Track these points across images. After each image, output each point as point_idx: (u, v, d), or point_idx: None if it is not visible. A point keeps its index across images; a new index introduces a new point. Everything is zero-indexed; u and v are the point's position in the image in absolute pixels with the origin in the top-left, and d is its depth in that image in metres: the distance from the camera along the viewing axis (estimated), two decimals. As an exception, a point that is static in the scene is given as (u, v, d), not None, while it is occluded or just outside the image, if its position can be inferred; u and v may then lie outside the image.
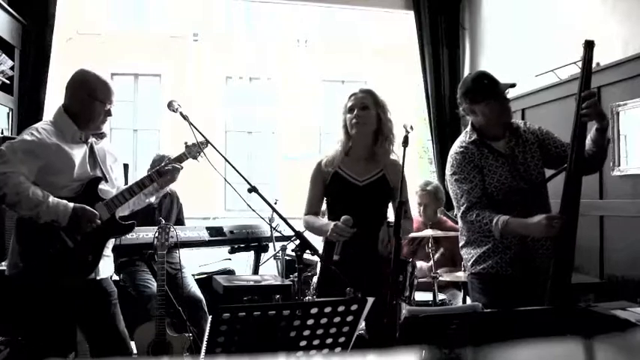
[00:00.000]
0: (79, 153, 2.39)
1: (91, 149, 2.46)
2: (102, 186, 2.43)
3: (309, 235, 2.37)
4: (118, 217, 2.51)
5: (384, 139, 2.55)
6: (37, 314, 2.32)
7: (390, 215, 2.51)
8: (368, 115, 2.52)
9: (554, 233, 2.23)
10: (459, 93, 2.50)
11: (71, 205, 2.28)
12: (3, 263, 3.02)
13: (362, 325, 2.19)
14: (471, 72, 4.91)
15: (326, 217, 2.63)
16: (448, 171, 2.52)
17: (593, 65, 2.34)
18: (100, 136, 2.51)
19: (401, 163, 2.35)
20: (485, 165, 2.44)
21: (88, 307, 2.43)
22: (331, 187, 2.55)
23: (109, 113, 2.46)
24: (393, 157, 2.58)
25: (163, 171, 2.53)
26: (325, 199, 2.61)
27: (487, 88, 2.42)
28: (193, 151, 2.59)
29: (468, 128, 2.52)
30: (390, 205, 2.60)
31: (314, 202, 2.61)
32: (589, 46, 2.24)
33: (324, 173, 2.57)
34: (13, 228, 2.35)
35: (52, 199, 2.24)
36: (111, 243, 2.55)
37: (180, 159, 2.59)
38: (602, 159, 2.41)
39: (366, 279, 2.23)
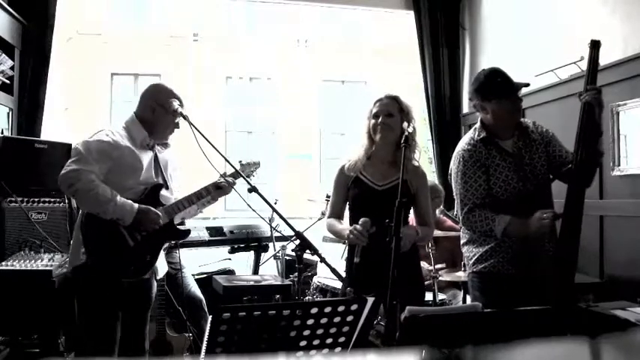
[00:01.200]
0: (146, 158, 2.49)
1: (155, 156, 2.56)
2: (163, 192, 2.53)
3: (309, 236, 2.37)
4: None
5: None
6: (92, 308, 2.38)
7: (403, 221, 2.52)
8: (393, 122, 2.51)
9: (547, 228, 2.24)
10: (471, 89, 2.49)
11: (137, 205, 2.37)
12: (8, 264, 3.03)
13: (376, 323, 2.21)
14: (471, 72, 4.94)
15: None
16: (454, 168, 2.52)
17: (594, 65, 2.34)
18: (165, 145, 2.62)
19: (421, 169, 2.43)
20: (492, 165, 2.44)
21: (133, 304, 2.50)
22: (352, 191, 2.56)
23: (177, 126, 2.57)
24: (415, 163, 2.55)
25: (220, 185, 2.61)
26: (348, 203, 2.61)
27: (500, 86, 2.41)
28: (246, 169, 2.69)
29: (477, 125, 2.51)
30: (412, 211, 2.60)
31: (336, 206, 2.62)
32: (595, 45, 2.24)
33: (347, 177, 2.57)
34: (78, 223, 2.42)
35: (119, 198, 2.33)
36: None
37: (235, 176, 2.66)
38: (592, 171, 2.42)
39: (386, 281, 2.23)
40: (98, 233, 2.36)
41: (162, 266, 2.64)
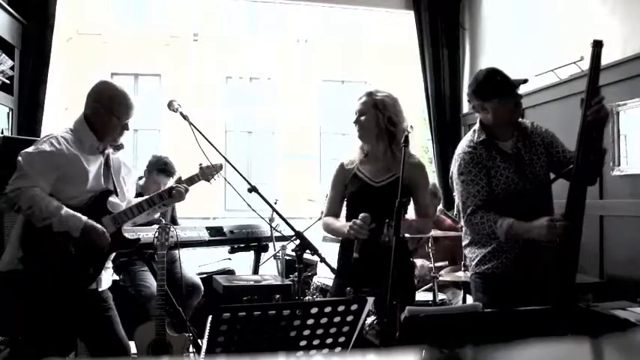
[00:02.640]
0: (94, 164, 2.41)
1: (107, 160, 2.47)
2: (112, 198, 2.44)
3: (309, 236, 2.37)
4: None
5: (395, 141, 2.51)
6: (32, 313, 2.32)
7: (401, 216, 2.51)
8: (365, 121, 2.51)
9: (556, 237, 2.22)
10: (470, 90, 2.48)
11: (84, 220, 2.29)
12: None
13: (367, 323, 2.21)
14: (471, 72, 4.94)
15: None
16: (455, 170, 2.51)
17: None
18: (118, 147, 2.52)
19: (418, 161, 2.44)
20: (493, 166, 2.43)
21: (86, 317, 2.42)
22: (350, 187, 2.55)
23: (125, 127, 2.46)
24: (412, 157, 2.51)
25: (174, 192, 2.55)
26: (346, 200, 2.61)
27: (499, 85, 2.40)
28: (206, 173, 2.62)
29: (476, 126, 2.51)
30: (412, 206, 2.60)
31: (334, 204, 2.61)
32: (597, 45, 2.23)
33: (346, 173, 2.57)
34: (17, 226, 2.35)
35: (64, 211, 2.25)
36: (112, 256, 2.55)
37: (192, 180, 2.61)
38: (597, 170, 2.41)
39: (385, 277, 2.22)
40: (37, 239, 2.27)
41: (106, 278, 2.51)
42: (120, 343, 2.50)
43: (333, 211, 2.60)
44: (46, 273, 2.28)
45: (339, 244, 2.63)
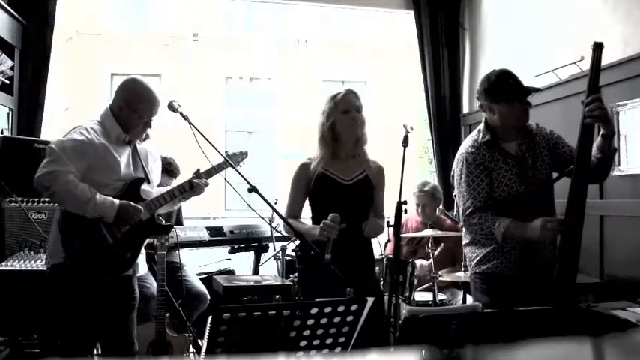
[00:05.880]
0: (124, 153, 2.44)
1: (134, 150, 2.51)
2: (144, 187, 2.48)
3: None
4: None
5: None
6: (72, 307, 2.33)
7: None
8: (362, 117, 2.55)
9: (551, 237, 2.23)
10: (480, 88, 2.46)
11: (117, 202, 2.32)
12: (8, 264, 3.03)
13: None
14: (471, 72, 4.94)
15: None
16: (457, 170, 2.51)
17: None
18: (145, 137, 2.55)
19: (379, 165, 2.50)
20: (495, 168, 2.42)
21: (115, 305, 2.45)
22: (316, 187, 2.53)
23: (148, 125, 2.50)
24: (372, 159, 2.59)
25: (200, 183, 2.57)
26: (309, 201, 2.59)
27: (510, 88, 2.37)
28: (234, 159, 2.66)
29: (481, 126, 2.49)
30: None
31: (295, 205, 2.58)
32: (598, 47, 2.23)
33: (310, 174, 2.54)
34: (55, 221, 2.38)
35: (99, 196, 2.28)
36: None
37: (210, 173, 2.62)
38: (606, 167, 2.38)
39: (357, 277, 2.23)
40: (76, 231, 2.31)
41: (142, 264, 2.59)
42: (132, 344, 2.54)
43: (293, 213, 2.57)
44: (88, 262, 2.31)
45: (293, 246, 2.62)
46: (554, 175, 2.51)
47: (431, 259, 3.36)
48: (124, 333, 2.50)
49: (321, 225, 2.32)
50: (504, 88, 2.38)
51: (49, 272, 2.39)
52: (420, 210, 3.79)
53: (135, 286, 2.55)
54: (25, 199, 3.39)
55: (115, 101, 2.49)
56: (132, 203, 2.36)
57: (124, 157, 2.43)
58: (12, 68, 3.94)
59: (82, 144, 2.32)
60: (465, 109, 4.99)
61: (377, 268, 2.98)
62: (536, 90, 2.43)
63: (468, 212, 2.41)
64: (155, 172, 2.63)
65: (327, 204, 2.46)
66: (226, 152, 2.68)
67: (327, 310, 1.59)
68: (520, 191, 2.40)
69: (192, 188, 2.56)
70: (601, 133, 2.27)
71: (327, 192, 2.51)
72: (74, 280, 2.31)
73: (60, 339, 2.36)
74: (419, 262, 3.51)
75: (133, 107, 2.43)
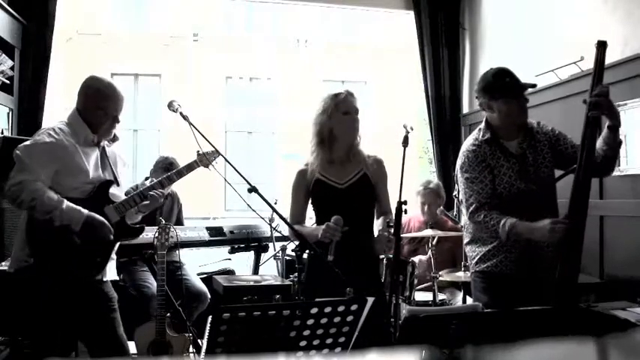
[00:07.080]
0: (92, 155, 2.43)
1: (103, 152, 2.50)
2: (112, 189, 2.46)
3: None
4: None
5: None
6: (41, 311, 2.32)
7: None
8: (359, 121, 2.55)
9: (557, 238, 2.22)
10: (478, 87, 2.48)
11: (85, 212, 2.30)
12: (3, 263, 3.02)
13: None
14: (471, 72, 4.94)
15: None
16: (459, 168, 2.51)
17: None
18: (113, 139, 2.54)
19: (378, 157, 2.49)
20: (496, 165, 2.43)
21: (90, 310, 2.43)
22: (314, 193, 2.54)
23: (116, 120, 2.48)
24: (369, 154, 2.58)
25: (173, 179, 2.58)
26: (313, 205, 2.59)
27: (508, 86, 2.40)
28: (204, 160, 2.64)
29: (482, 125, 2.51)
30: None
31: (297, 212, 2.58)
32: (602, 46, 2.23)
33: (308, 181, 2.54)
34: (22, 224, 2.36)
35: (65, 204, 2.26)
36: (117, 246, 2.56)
37: (191, 167, 2.61)
38: (613, 160, 2.38)
39: (358, 279, 2.23)
40: (43, 233, 2.28)
41: (111, 269, 2.53)
42: (121, 345, 2.50)
43: (297, 219, 2.57)
44: (55, 264, 2.29)
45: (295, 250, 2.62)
46: (558, 172, 2.51)
47: (429, 255, 3.35)
48: (106, 335, 2.46)
49: (324, 227, 2.32)
50: (501, 85, 2.40)
51: (15, 275, 2.36)
52: (425, 208, 3.78)
53: (109, 289, 2.51)
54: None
55: (80, 101, 2.48)
56: (98, 218, 2.32)
57: (92, 159, 2.41)
58: (12, 68, 3.94)
59: (51, 146, 2.30)
60: (465, 109, 4.99)
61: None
62: (533, 86, 2.45)
63: (472, 209, 2.41)
64: (123, 176, 2.61)
65: (326, 209, 2.47)
66: (198, 151, 2.65)
67: (327, 310, 1.59)
68: (521, 189, 2.40)
69: (170, 182, 2.57)
70: (607, 124, 2.27)
71: (324, 198, 2.52)
72: (40, 282, 2.29)
73: (30, 340, 2.37)
74: (417, 257, 3.51)
75: (97, 104, 2.42)
